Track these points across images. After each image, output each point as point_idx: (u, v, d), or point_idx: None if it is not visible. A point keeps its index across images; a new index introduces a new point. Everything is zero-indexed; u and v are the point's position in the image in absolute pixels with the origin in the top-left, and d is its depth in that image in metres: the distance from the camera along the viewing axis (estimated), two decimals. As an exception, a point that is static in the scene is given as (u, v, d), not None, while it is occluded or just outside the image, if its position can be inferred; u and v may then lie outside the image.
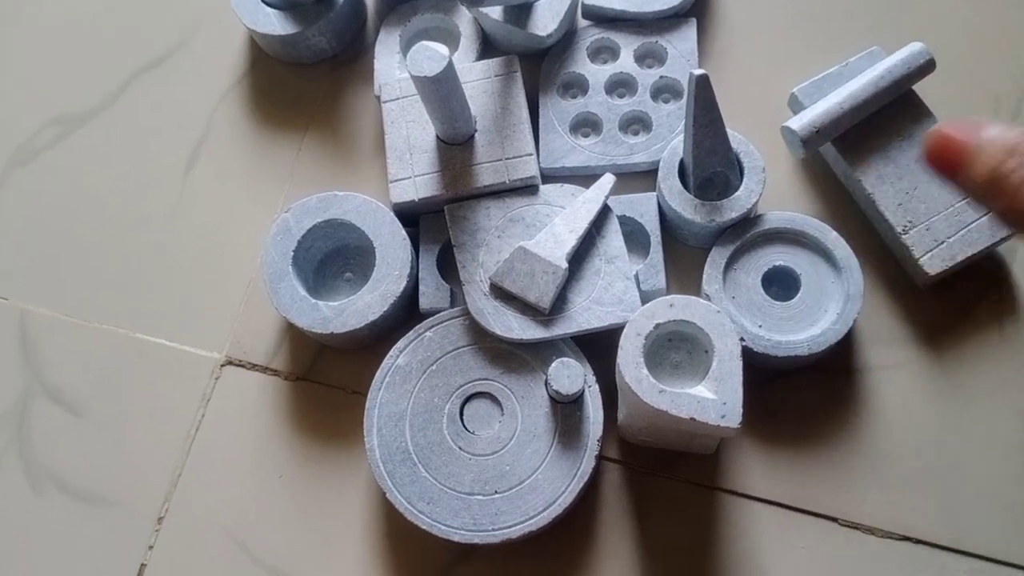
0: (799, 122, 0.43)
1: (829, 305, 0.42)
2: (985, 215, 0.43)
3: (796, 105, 0.46)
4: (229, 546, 0.43)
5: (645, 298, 0.43)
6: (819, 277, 0.42)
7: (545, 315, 0.40)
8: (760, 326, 0.41)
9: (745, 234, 0.43)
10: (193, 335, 0.47)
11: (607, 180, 0.43)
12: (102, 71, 0.53)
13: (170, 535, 0.43)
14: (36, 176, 0.52)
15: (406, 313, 0.45)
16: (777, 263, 0.43)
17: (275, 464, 0.44)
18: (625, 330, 0.37)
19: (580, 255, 0.42)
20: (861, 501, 0.41)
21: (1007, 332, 0.43)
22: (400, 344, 0.42)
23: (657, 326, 0.37)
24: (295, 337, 0.46)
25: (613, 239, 0.42)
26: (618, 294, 0.41)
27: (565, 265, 0.40)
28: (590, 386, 0.40)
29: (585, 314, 0.41)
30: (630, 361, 0.36)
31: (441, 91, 0.40)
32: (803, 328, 0.41)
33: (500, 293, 0.41)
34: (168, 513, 0.44)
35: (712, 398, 0.36)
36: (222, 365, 0.46)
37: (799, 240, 0.43)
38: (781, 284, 0.43)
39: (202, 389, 0.46)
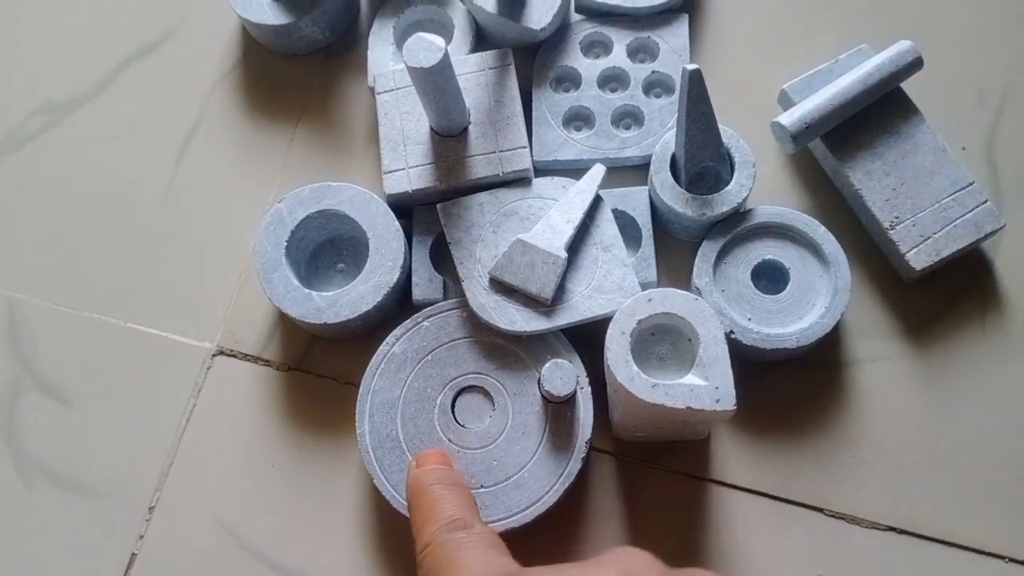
0: (789, 118, 0.44)
1: (817, 299, 0.42)
2: (970, 212, 0.43)
3: (786, 101, 0.46)
4: (220, 535, 0.43)
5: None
6: (807, 271, 0.43)
7: (547, 306, 0.41)
8: (749, 319, 0.42)
9: (735, 228, 0.43)
10: (184, 325, 0.47)
11: (598, 170, 0.43)
12: (92, 58, 0.53)
13: (161, 525, 0.43)
14: (25, 164, 0.51)
15: (398, 304, 0.45)
16: (766, 257, 0.43)
17: (267, 454, 0.44)
18: (609, 331, 0.37)
19: (576, 245, 0.42)
20: (847, 492, 0.42)
21: (990, 326, 0.44)
22: (397, 332, 0.42)
23: (639, 322, 0.38)
24: (287, 327, 0.46)
25: (607, 228, 0.43)
26: (617, 281, 0.41)
27: (564, 254, 0.41)
28: (582, 388, 0.41)
29: (587, 303, 0.41)
30: (619, 361, 0.37)
31: (437, 82, 0.40)
32: (792, 321, 0.42)
33: (500, 287, 0.41)
34: (159, 503, 0.44)
35: (704, 384, 0.36)
36: (214, 355, 0.46)
37: (788, 234, 0.43)
38: (770, 278, 0.44)
39: (193, 379, 0.46)
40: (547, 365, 0.39)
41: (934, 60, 0.46)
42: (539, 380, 0.40)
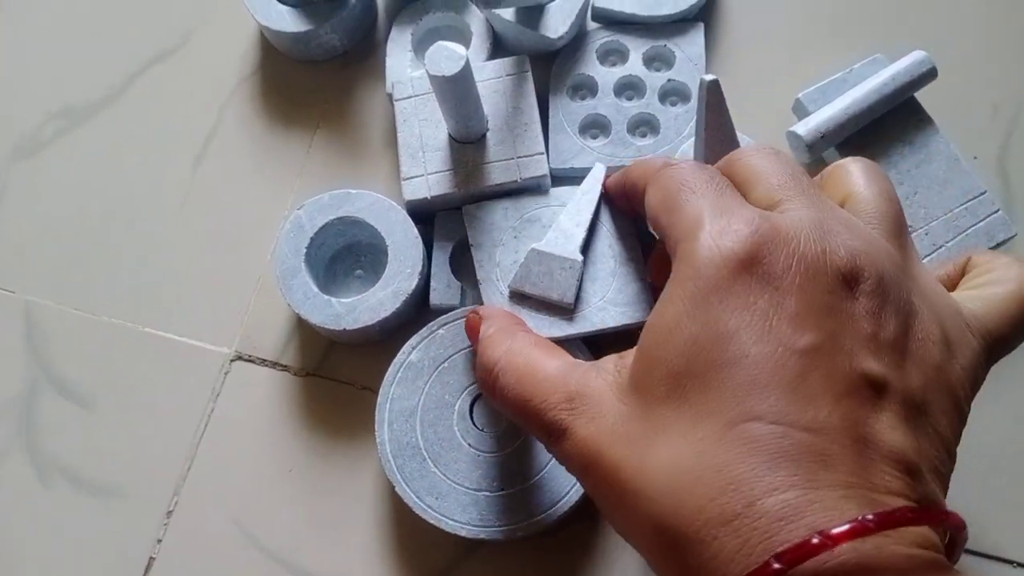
0: (804, 127, 0.44)
1: None
2: (982, 221, 0.44)
3: (801, 110, 0.46)
4: (239, 539, 0.43)
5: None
6: None
7: (570, 310, 0.41)
8: None
9: None
10: (202, 330, 0.47)
11: (599, 169, 0.44)
12: (110, 64, 0.53)
13: (179, 528, 0.44)
14: (41, 169, 0.52)
15: (416, 311, 0.45)
16: None
17: (284, 458, 0.44)
18: None
19: (593, 253, 0.42)
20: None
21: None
22: (413, 341, 0.42)
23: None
24: (305, 333, 0.47)
25: (628, 241, 0.43)
26: (632, 295, 0.42)
27: (580, 257, 0.41)
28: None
29: (600, 314, 0.41)
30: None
31: (458, 90, 0.40)
32: None
33: (519, 297, 0.42)
34: (177, 507, 0.44)
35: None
36: (232, 360, 0.47)
37: None
38: None
39: (211, 384, 0.46)
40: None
41: (948, 72, 0.46)
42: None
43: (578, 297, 0.41)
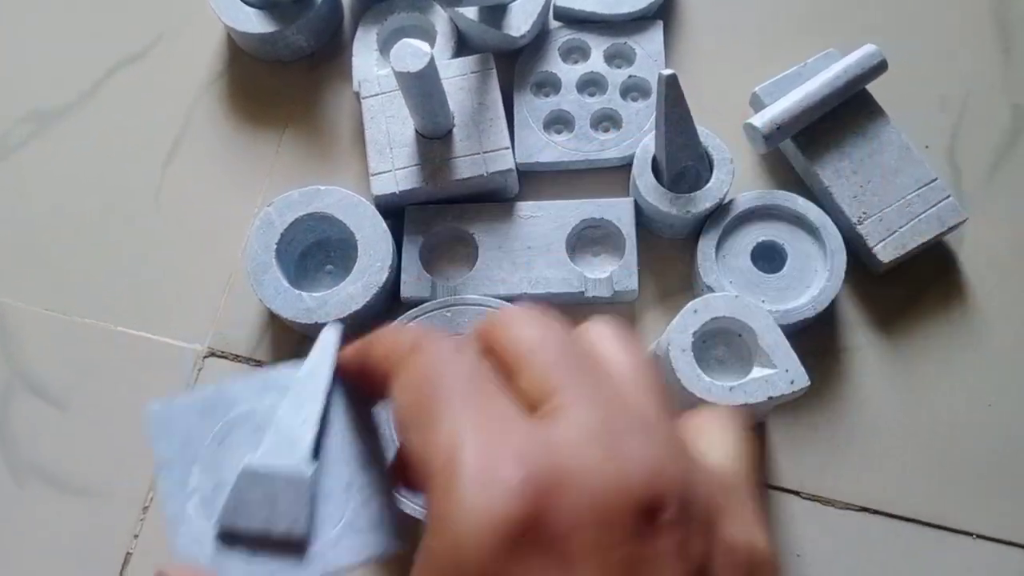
0: (761, 119, 0.46)
1: (816, 265, 0.45)
2: (934, 207, 0.45)
3: (757, 103, 0.48)
4: (215, 533, 0.44)
5: (617, 299, 0.45)
6: (800, 242, 0.45)
7: (302, 543, 0.29)
8: (763, 301, 0.44)
9: (724, 220, 0.45)
10: (175, 328, 0.48)
11: (330, 334, 0.31)
12: (79, 67, 0.54)
13: (156, 524, 0.44)
14: (12, 172, 0.52)
15: (386, 304, 0.46)
16: (760, 239, 0.45)
17: (259, 452, 0.45)
18: (670, 352, 0.39)
19: (326, 463, 0.30)
20: (821, 475, 0.43)
21: (955, 316, 0.46)
22: None
23: (694, 335, 0.39)
24: (276, 329, 0.47)
25: (366, 436, 0.30)
26: (375, 516, 0.29)
27: (309, 469, 0.29)
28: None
29: (334, 549, 0.29)
30: (691, 376, 0.38)
31: (423, 86, 0.41)
32: (801, 292, 0.44)
33: (230, 539, 0.29)
34: (153, 502, 0.44)
35: (774, 371, 0.38)
36: (205, 356, 0.47)
37: (773, 213, 0.46)
38: (768, 258, 0.46)
39: (185, 380, 0.47)
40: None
41: (898, 66, 0.48)
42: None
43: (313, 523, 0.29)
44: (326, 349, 0.31)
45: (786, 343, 0.39)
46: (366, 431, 0.30)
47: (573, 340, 0.26)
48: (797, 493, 0.43)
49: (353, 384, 0.30)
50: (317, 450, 0.29)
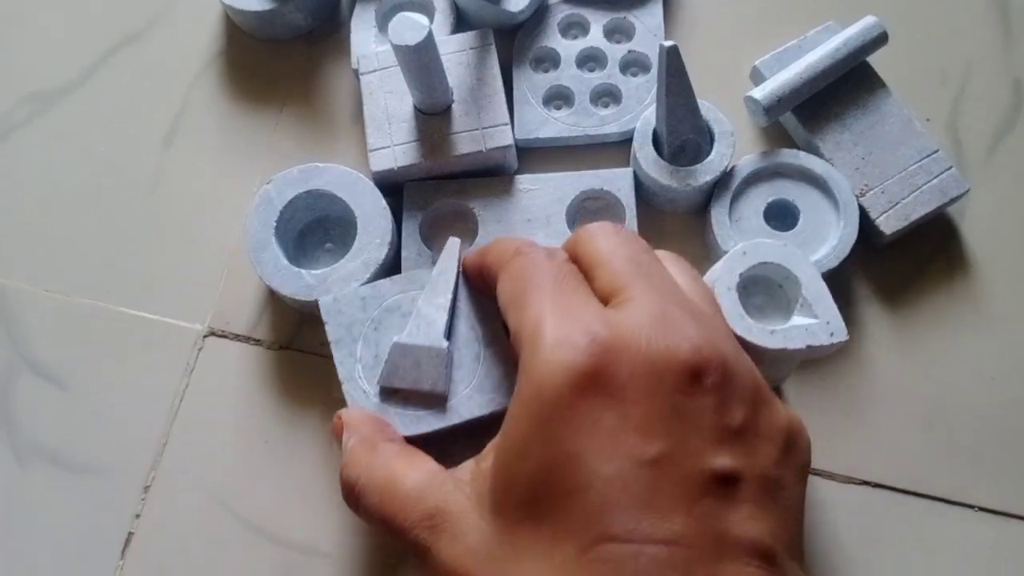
0: (762, 91, 0.45)
1: (829, 217, 0.45)
2: (936, 178, 0.45)
3: (758, 77, 0.48)
4: (217, 511, 0.44)
5: None
6: (809, 197, 0.45)
7: (444, 398, 0.39)
8: None
9: (732, 185, 0.45)
10: (175, 307, 0.48)
11: (453, 244, 0.41)
12: (77, 47, 0.53)
13: (157, 503, 0.44)
14: (11, 153, 0.52)
15: (387, 281, 0.46)
16: (771, 199, 0.45)
17: (260, 430, 0.45)
18: (716, 289, 0.38)
19: (458, 341, 0.40)
20: (824, 449, 0.43)
21: (957, 288, 0.46)
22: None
23: (740, 275, 0.39)
24: (277, 307, 0.47)
25: (490, 322, 0.40)
26: (499, 380, 0.39)
27: (445, 343, 0.39)
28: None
29: (468, 404, 0.39)
30: (735, 316, 0.38)
31: (421, 60, 0.41)
32: (819, 246, 0.44)
33: (389, 392, 0.39)
34: (155, 482, 0.44)
35: (815, 322, 0.38)
36: (204, 336, 0.47)
37: (779, 172, 0.45)
38: (780, 218, 0.45)
39: (185, 360, 0.47)
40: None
41: (898, 40, 0.47)
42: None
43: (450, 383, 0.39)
44: (451, 254, 0.40)
45: (829, 296, 0.38)
46: (489, 317, 0.40)
47: (645, 252, 0.32)
48: (800, 466, 0.43)
49: (475, 282, 0.39)
50: (449, 331, 0.39)
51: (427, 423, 0.39)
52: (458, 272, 0.40)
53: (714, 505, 0.26)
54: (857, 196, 0.45)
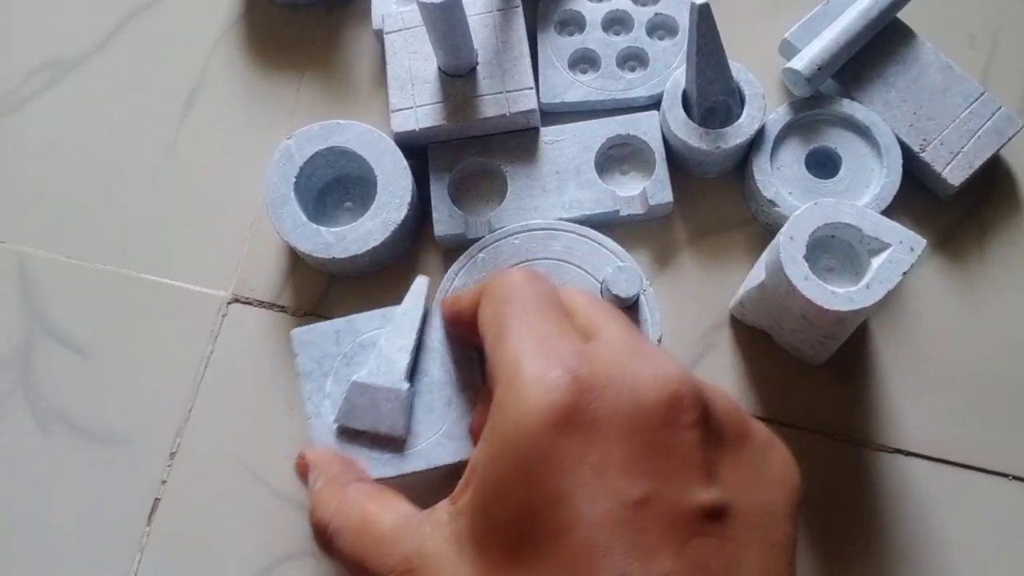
0: (801, 62, 0.44)
1: (872, 164, 0.44)
2: (989, 120, 0.44)
3: (789, 50, 0.47)
4: (242, 476, 0.43)
5: (652, 213, 0.44)
6: (851, 144, 0.45)
7: (403, 441, 0.37)
8: None
9: (773, 132, 0.44)
10: (198, 274, 0.47)
11: (421, 283, 0.39)
12: (93, 15, 0.53)
13: (183, 469, 0.44)
14: (30, 121, 0.51)
15: (405, 243, 0.45)
16: (812, 147, 0.45)
17: (284, 397, 0.45)
18: (781, 241, 0.37)
19: (431, 384, 0.38)
20: (855, 417, 0.43)
21: (1017, 233, 0.45)
22: (454, 268, 0.43)
23: (809, 238, 0.37)
24: (301, 273, 0.47)
25: (465, 367, 0.39)
26: (468, 428, 0.38)
27: (405, 385, 0.37)
28: (646, 290, 0.41)
29: (436, 449, 0.37)
30: (798, 274, 0.36)
31: (447, 19, 0.40)
32: (861, 192, 0.44)
33: (349, 433, 0.38)
34: (180, 448, 0.44)
35: (891, 249, 0.37)
36: (228, 303, 0.47)
37: (820, 119, 0.45)
38: (821, 165, 0.45)
39: (209, 326, 0.46)
40: (611, 270, 0.40)
41: (925, 5, 0.46)
42: (603, 286, 0.40)
43: (410, 427, 0.38)
44: (418, 293, 0.39)
45: (885, 218, 0.37)
46: (465, 363, 0.38)
47: (598, 300, 0.33)
48: (831, 435, 0.43)
49: (451, 327, 0.38)
50: (412, 372, 0.38)
51: (392, 467, 0.37)
52: (425, 312, 0.38)
53: (704, 544, 0.25)
54: (918, 152, 0.44)
